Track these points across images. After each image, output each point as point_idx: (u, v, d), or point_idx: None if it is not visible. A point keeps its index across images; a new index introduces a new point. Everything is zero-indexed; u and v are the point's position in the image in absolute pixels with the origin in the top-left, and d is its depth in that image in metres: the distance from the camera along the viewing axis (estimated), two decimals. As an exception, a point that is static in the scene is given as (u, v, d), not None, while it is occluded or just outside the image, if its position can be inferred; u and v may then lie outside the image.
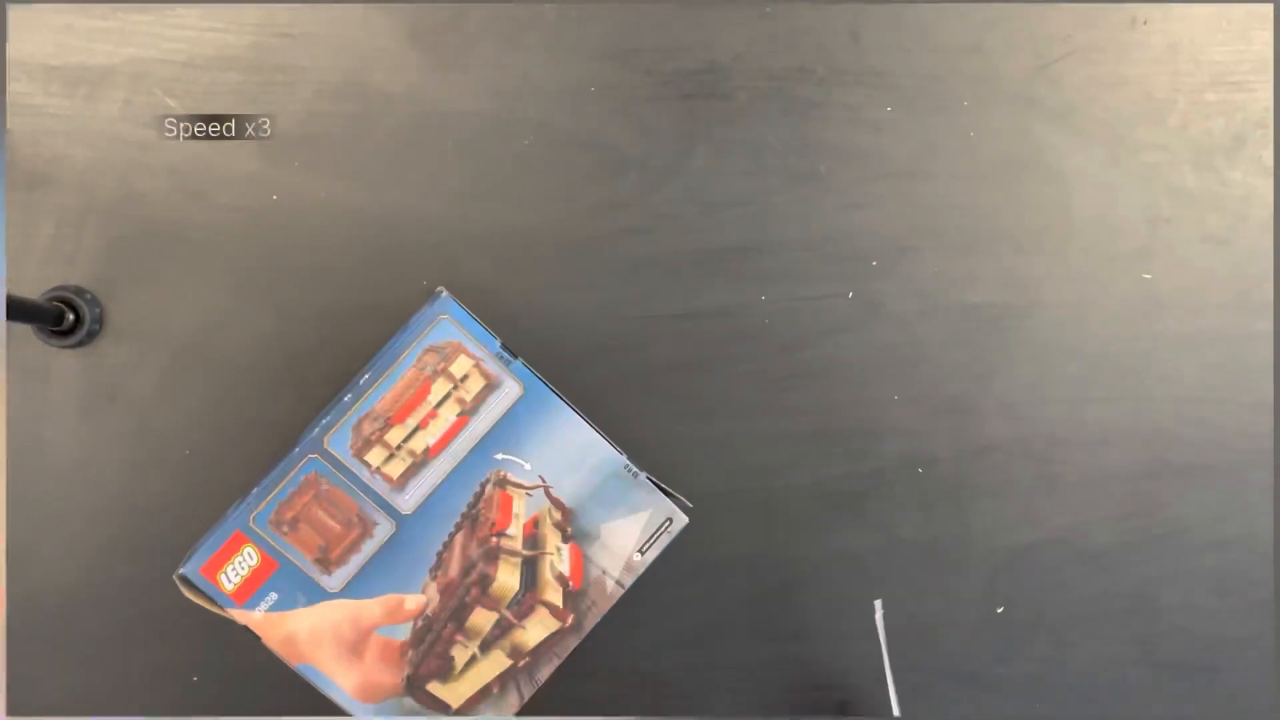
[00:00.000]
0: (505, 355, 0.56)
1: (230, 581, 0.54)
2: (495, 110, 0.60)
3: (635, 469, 0.57)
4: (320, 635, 0.55)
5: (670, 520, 0.58)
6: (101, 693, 0.60)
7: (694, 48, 0.61)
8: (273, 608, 0.54)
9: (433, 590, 0.56)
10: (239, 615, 0.54)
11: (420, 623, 0.56)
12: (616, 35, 0.61)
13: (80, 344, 0.58)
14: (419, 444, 0.55)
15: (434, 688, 0.56)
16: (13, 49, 0.58)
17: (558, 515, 0.57)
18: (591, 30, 0.61)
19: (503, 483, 0.56)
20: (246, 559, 0.54)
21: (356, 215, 0.60)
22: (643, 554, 0.58)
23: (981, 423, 0.63)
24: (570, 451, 0.57)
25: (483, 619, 0.55)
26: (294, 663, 0.54)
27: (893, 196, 0.62)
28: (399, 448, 0.55)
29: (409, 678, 0.55)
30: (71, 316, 0.57)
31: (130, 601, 0.59)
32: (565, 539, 0.56)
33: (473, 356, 0.56)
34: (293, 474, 0.55)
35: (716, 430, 0.62)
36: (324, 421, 0.55)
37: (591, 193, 0.61)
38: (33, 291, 0.58)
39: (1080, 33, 0.63)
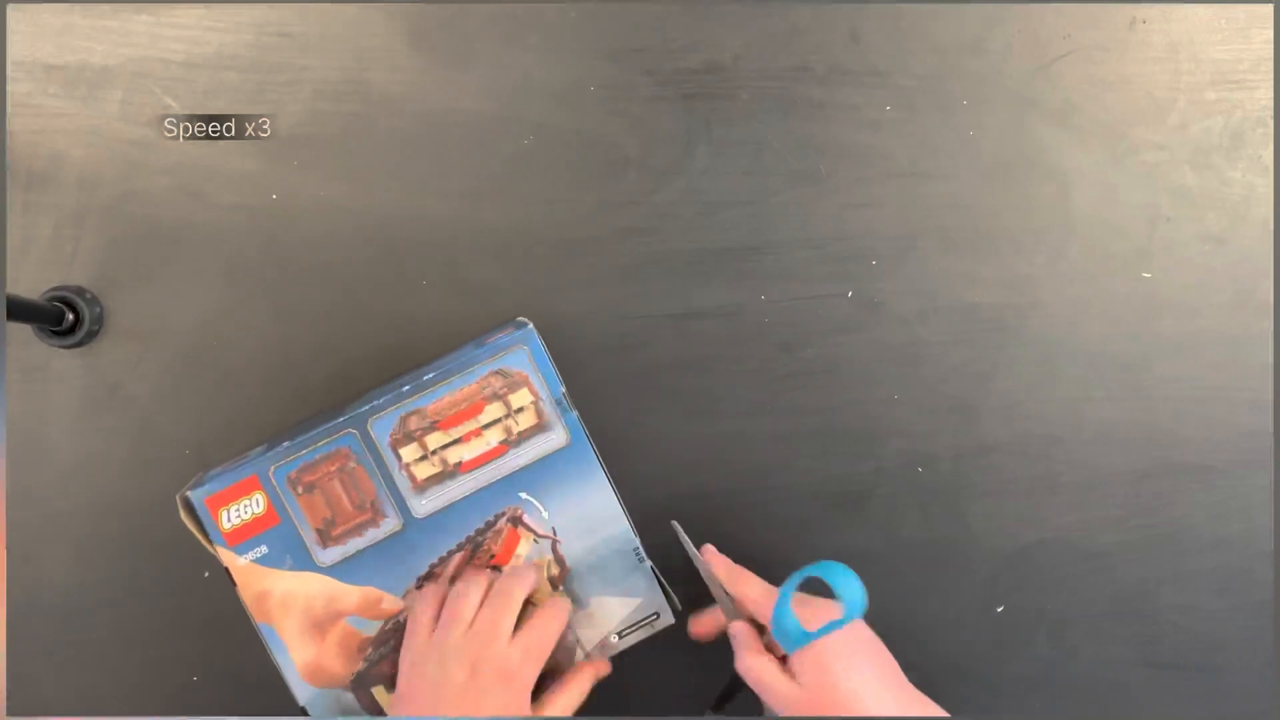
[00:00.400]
0: (564, 404, 0.56)
1: (230, 521, 0.54)
2: (495, 110, 0.60)
3: (644, 555, 0.57)
4: (292, 602, 0.54)
5: (658, 615, 0.58)
6: (101, 693, 0.60)
7: (694, 47, 0.61)
8: (259, 560, 0.54)
9: (414, 598, 0.56)
10: (224, 555, 0.54)
11: (390, 625, 0.55)
12: (617, 35, 0.61)
13: (80, 344, 0.58)
14: (454, 456, 0.55)
15: (378, 692, 0.55)
16: (13, 49, 0.58)
17: (555, 571, 0.57)
18: (591, 30, 0.61)
19: (517, 521, 0.56)
20: (253, 504, 0.54)
21: (356, 215, 0.60)
22: (620, 638, 0.58)
23: (982, 422, 0.63)
24: (590, 516, 0.57)
25: None
26: (258, 620, 0.54)
27: (893, 196, 0.62)
28: (434, 453, 0.55)
29: (359, 674, 0.55)
30: (71, 316, 0.57)
31: (130, 601, 0.59)
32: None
33: (534, 393, 0.55)
34: (327, 440, 0.54)
35: (717, 430, 0.62)
36: (375, 403, 0.55)
37: (592, 192, 0.61)
38: (32, 291, 0.58)
39: (1080, 32, 0.63)
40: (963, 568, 0.63)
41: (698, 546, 0.57)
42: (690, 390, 0.62)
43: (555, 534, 0.56)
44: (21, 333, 0.58)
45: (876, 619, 0.63)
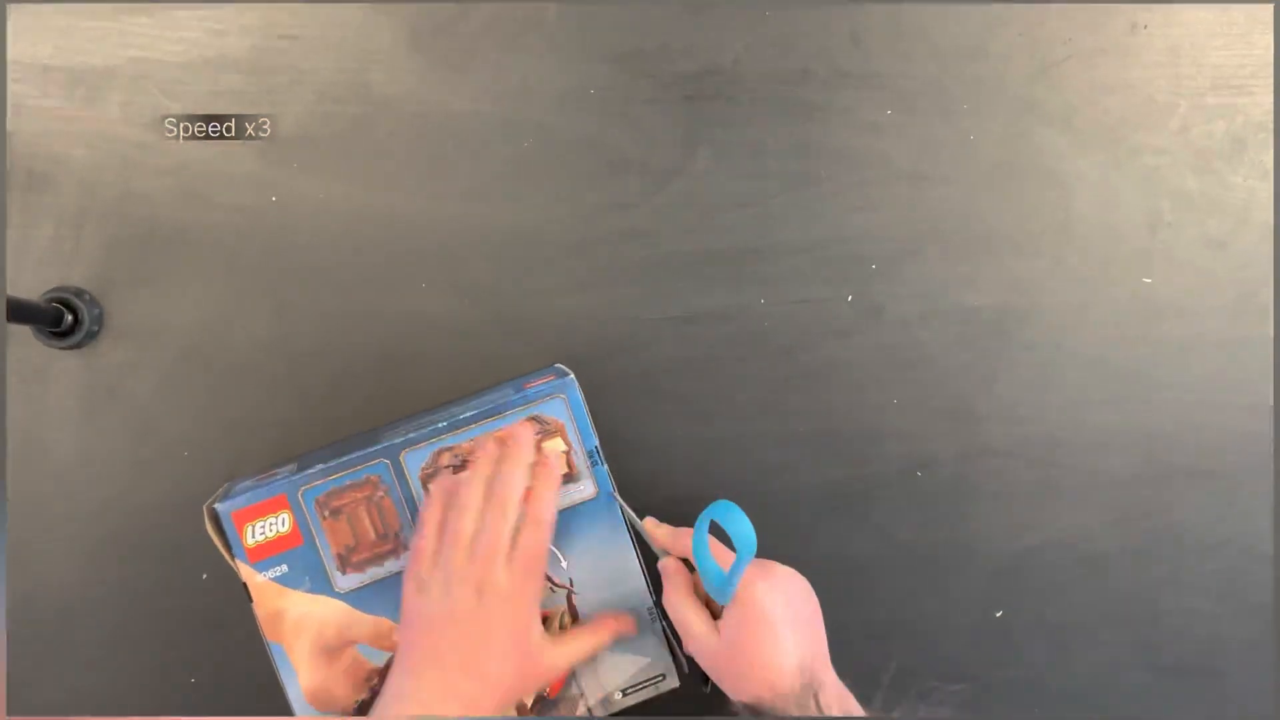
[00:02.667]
0: (595, 457, 0.56)
1: (254, 537, 0.54)
2: (495, 112, 0.60)
3: (656, 616, 0.57)
4: (305, 625, 0.55)
5: (664, 677, 0.58)
6: (101, 693, 0.60)
7: (695, 50, 0.61)
8: (277, 579, 0.54)
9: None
10: (244, 570, 0.54)
11: None
12: (617, 37, 0.61)
13: (79, 345, 0.58)
14: None
15: None
16: (13, 49, 0.58)
17: (568, 621, 0.57)
18: (592, 32, 0.60)
19: None
20: (278, 523, 0.54)
21: (356, 215, 0.60)
22: (624, 695, 0.58)
23: (981, 426, 0.63)
24: (608, 570, 0.57)
25: None
26: (270, 639, 0.54)
27: (893, 199, 0.62)
28: None
29: (362, 702, 0.55)
30: (70, 317, 0.57)
31: (130, 601, 0.59)
32: None
33: (568, 443, 0.56)
34: (359, 468, 0.54)
35: (716, 432, 0.62)
36: (410, 436, 0.55)
37: (592, 195, 0.61)
38: (32, 292, 0.58)
39: (1081, 36, 0.63)
40: (962, 571, 0.63)
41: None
42: (690, 393, 0.62)
43: (571, 585, 0.57)
44: (21, 333, 0.58)
45: (877, 621, 0.63)
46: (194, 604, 0.59)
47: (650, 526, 0.57)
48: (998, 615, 0.64)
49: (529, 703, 0.56)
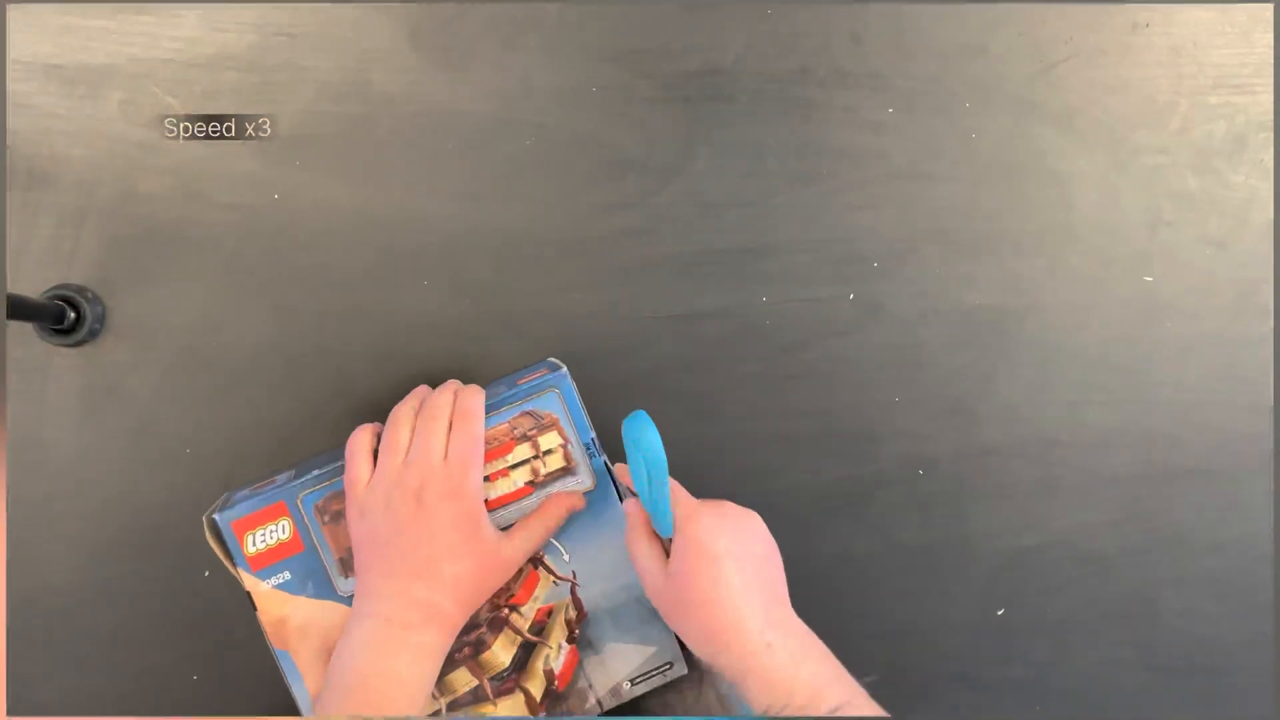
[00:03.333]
0: (592, 449, 0.56)
1: (254, 546, 0.54)
2: (496, 111, 0.60)
3: None
4: (310, 630, 0.54)
5: (671, 665, 0.58)
6: (101, 693, 0.60)
7: (695, 49, 0.61)
8: (280, 586, 0.54)
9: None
10: (247, 579, 0.54)
11: None
12: (617, 37, 0.61)
13: (81, 343, 0.58)
14: None
15: None
16: (13, 49, 0.58)
17: (573, 614, 0.57)
18: (592, 32, 0.60)
19: (537, 562, 0.56)
20: (278, 530, 0.54)
21: (356, 215, 0.60)
22: (633, 685, 0.58)
23: (982, 425, 0.63)
24: (611, 561, 0.57)
25: (461, 680, 0.55)
26: (275, 646, 0.54)
27: (894, 198, 0.62)
28: None
29: None
30: (72, 315, 0.57)
31: (130, 601, 0.59)
32: (569, 639, 0.56)
33: (564, 436, 0.56)
34: None
35: (717, 431, 0.62)
36: None
37: (592, 194, 0.61)
38: (31, 292, 0.58)
39: (1082, 35, 0.63)
40: (963, 570, 0.63)
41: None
42: (690, 392, 0.62)
43: (575, 577, 0.57)
44: (22, 332, 0.58)
45: (877, 620, 0.63)
46: (194, 604, 0.59)
47: (619, 473, 0.57)
48: (999, 614, 0.64)
49: (539, 697, 0.56)
